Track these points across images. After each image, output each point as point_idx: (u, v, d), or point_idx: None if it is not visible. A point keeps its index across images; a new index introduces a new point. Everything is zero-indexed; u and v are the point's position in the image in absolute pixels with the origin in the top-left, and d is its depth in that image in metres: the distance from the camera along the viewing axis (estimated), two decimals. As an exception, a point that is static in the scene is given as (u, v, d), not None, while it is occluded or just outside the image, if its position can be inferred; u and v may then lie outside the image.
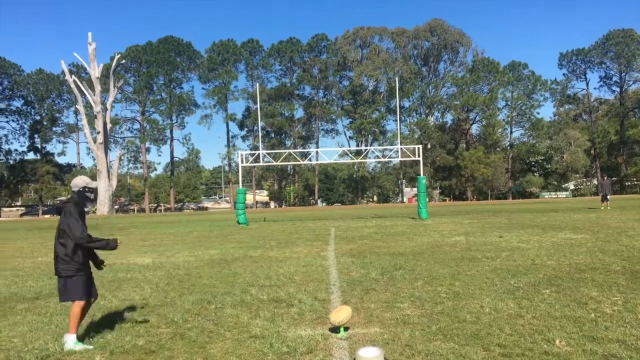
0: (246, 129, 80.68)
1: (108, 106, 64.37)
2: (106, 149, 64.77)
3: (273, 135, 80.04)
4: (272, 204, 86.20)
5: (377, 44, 79.87)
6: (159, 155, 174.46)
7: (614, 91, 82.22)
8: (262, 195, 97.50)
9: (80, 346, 5.12)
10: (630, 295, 6.61)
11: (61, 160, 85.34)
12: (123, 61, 69.27)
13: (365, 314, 6.16)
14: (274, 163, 37.16)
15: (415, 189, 33.86)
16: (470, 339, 5.02)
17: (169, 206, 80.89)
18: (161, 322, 6.12)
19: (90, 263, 5.56)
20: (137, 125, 79.57)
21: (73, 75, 62.48)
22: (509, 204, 52.63)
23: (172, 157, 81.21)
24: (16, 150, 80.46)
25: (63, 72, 63.76)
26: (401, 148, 31.33)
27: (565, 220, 21.25)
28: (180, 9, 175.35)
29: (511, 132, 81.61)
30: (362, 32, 79.84)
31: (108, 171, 64.03)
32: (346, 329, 5.43)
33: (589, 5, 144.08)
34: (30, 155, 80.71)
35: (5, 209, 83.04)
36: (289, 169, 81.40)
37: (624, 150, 79.89)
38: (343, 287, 7.98)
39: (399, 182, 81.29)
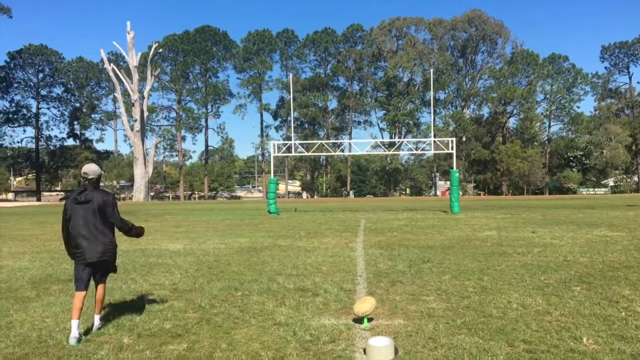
0: (280, 119, 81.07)
1: (145, 94, 65.41)
2: (143, 137, 65.84)
3: (306, 126, 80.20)
4: (304, 195, 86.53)
5: (413, 35, 79.01)
6: (194, 144, 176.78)
7: (657, 85, 79.76)
8: (295, 186, 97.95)
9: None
10: (665, 295, 6.43)
11: (99, 146, 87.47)
12: (160, 50, 70.25)
13: (390, 306, 6.15)
14: (307, 154, 37.25)
15: (448, 183, 33.55)
16: (495, 334, 4.97)
17: (202, 194, 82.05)
18: (189, 307, 6.22)
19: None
20: (173, 114, 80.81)
21: (112, 64, 63.65)
22: (545, 199, 51.65)
23: (206, 145, 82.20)
24: (56, 136, 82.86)
25: (102, 60, 64.96)
26: (435, 141, 31.04)
27: (602, 217, 20.76)
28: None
29: (549, 126, 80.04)
30: (398, 23, 79.04)
31: (144, 158, 65.10)
32: (370, 319, 5.43)
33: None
34: (70, 142, 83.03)
35: (45, 193, 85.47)
36: (321, 159, 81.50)
37: (666, 146, 77.42)
38: (369, 278, 7.98)
39: (433, 175, 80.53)
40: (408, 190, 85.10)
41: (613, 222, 17.79)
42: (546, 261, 9.30)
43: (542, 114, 78.27)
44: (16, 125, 79.13)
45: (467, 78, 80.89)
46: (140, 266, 9.41)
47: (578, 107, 78.48)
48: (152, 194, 76.07)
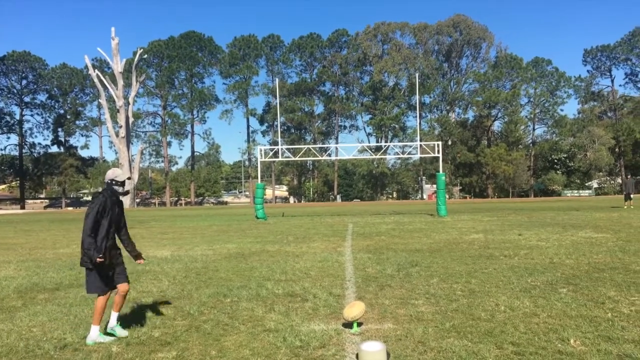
0: (266, 124, 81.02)
1: (130, 100, 65.00)
2: (128, 143, 65.40)
3: (293, 131, 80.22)
4: (292, 199, 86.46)
5: (398, 40, 79.50)
6: (180, 150, 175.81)
7: (639, 88, 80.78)
8: (282, 190, 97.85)
9: (100, 338, 5.19)
10: (650, 296, 6.51)
11: (84, 153, 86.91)
12: (145, 56, 69.97)
13: (379, 310, 6.17)
14: (294, 158, 37.22)
15: (435, 186, 33.74)
16: (483, 336, 5.00)
17: (189, 200, 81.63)
18: (177, 315, 6.20)
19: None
20: (158, 120, 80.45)
21: (96, 70, 63.13)
22: (531, 202, 52.07)
23: (192, 151, 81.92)
24: (40, 143, 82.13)
25: (86, 67, 64.51)
26: (421, 144, 31.19)
27: (587, 219, 20.98)
28: (202, 5, 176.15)
29: (534, 129, 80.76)
30: (383, 28, 79.45)
31: (130, 165, 64.69)
32: (359, 324, 5.44)
33: (615, 0, 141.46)
34: (54, 149, 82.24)
35: (29, 201, 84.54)
36: (308, 164, 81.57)
37: (649, 148, 78.39)
38: (358, 282, 8.00)
39: (419, 178, 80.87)
40: (395, 194, 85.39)
41: (598, 224, 17.98)
42: (533, 263, 9.38)
43: (526, 117, 78.97)
44: (-1, 132, 78.29)
45: (452, 82, 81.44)
46: (128, 274, 9.31)
47: (562, 110, 79.31)
48: (137, 200, 75.53)
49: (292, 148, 35.66)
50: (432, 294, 6.95)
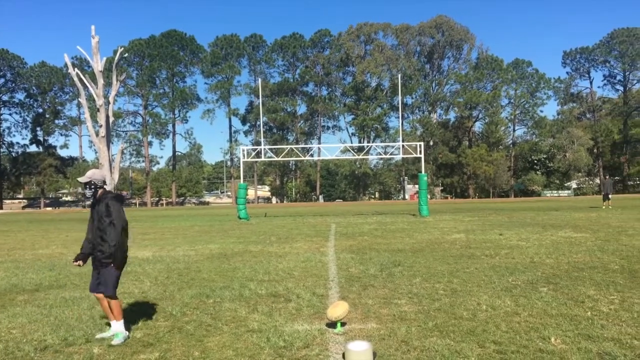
0: (248, 124, 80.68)
1: (111, 99, 63.87)
2: (108, 143, 64.31)
3: (275, 131, 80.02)
4: (274, 200, 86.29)
5: (380, 41, 79.62)
6: (161, 149, 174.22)
7: (617, 90, 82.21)
8: (264, 191, 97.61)
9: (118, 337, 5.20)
10: (628, 294, 6.62)
11: (63, 153, 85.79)
12: (126, 55, 69.09)
13: (362, 310, 6.18)
14: (276, 158, 37.15)
15: (417, 186, 33.93)
16: (466, 335, 5.04)
17: (170, 200, 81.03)
18: (159, 316, 6.15)
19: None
20: (139, 119, 79.64)
21: (76, 68, 62.28)
22: (511, 202, 52.60)
23: (174, 151, 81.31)
24: (18, 143, 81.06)
25: (66, 65, 63.45)
26: (403, 145, 31.35)
27: (566, 218, 21.25)
28: (184, 3, 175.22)
29: (514, 130, 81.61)
30: (366, 28, 79.61)
31: (110, 165, 63.92)
32: (343, 324, 5.45)
33: (594, 3, 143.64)
34: (33, 148, 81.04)
35: (7, 202, 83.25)
36: (290, 164, 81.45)
37: (626, 149, 79.69)
38: (341, 282, 8.01)
39: (401, 179, 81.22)
40: (377, 194, 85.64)
41: (577, 224, 18.23)
42: (513, 263, 9.48)
43: (506, 118, 79.71)
44: (-24, 132, 76.97)
45: (434, 83, 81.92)
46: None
47: (541, 111, 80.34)
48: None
49: (274, 148, 35.59)
50: (415, 294, 6.99)
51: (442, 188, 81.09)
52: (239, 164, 33.70)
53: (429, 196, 28.81)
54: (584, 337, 4.88)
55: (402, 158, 69.08)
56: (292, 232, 18.13)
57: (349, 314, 5.62)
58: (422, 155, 28.65)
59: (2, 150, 79.05)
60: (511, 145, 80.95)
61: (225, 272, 9.33)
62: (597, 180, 77.42)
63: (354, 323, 5.62)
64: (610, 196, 30.54)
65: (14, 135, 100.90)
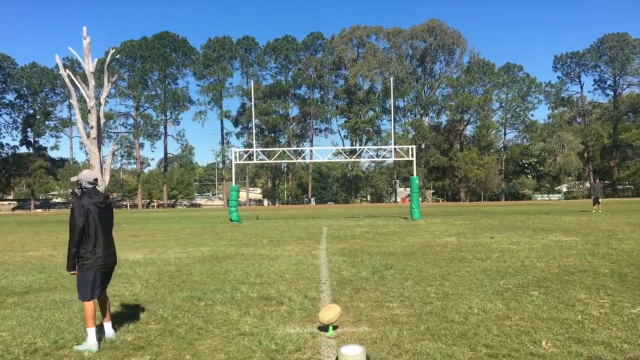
0: (240, 126, 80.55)
1: (102, 101, 63.57)
2: (99, 144, 64.08)
3: (267, 133, 79.92)
4: (266, 202, 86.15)
5: (373, 44, 79.76)
6: (153, 151, 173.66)
7: (607, 95, 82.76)
8: (256, 193, 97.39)
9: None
10: (618, 298, 6.67)
11: (54, 154, 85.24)
12: (117, 56, 68.79)
13: (354, 313, 6.19)
14: (268, 161, 37.10)
15: (408, 189, 34.01)
16: (457, 339, 5.05)
17: (161, 202, 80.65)
18: (150, 319, 6.12)
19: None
20: (131, 121, 79.21)
21: (67, 70, 62.00)
22: (502, 205, 52.83)
23: (165, 153, 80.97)
24: (8, 144, 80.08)
25: (57, 66, 63.14)
26: (395, 148, 31.42)
27: (557, 222, 21.37)
28: (176, 5, 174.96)
29: (505, 134, 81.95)
30: (358, 32, 79.75)
31: (101, 166, 63.62)
32: (335, 327, 5.45)
33: (584, 8, 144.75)
34: (23, 149, 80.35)
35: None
36: (282, 167, 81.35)
37: (616, 153, 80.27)
38: (333, 285, 8.01)
39: (393, 182, 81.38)
40: (369, 197, 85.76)
41: (567, 227, 18.33)
42: (505, 266, 9.51)
43: (498, 121, 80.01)
44: (-34, 132, 76.28)
45: (426, 86, 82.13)
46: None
47: (532, 115, 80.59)
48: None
49: (266, 150, 35.52)
50: (407, 297, 7.00)
51: (433, 191, 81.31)
52: (231, 166, 33.65)
53: (420, 199, 28.86)
54: (575, 341, 4.91)
55: (394, 161, 69.26)
56: (284, 234, 18.11)
57: (341, 317, 5.63)
58: (414, 159, 28.73)
59: (-8, 151, 78.37)
60: (502, 149, 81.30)
61: (216, 274, 9.30)
62: (587, 184, 77.84)
63: (346, 326, 5.62)
64: (600, 200, 30.74)
65: (4, 137, 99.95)
